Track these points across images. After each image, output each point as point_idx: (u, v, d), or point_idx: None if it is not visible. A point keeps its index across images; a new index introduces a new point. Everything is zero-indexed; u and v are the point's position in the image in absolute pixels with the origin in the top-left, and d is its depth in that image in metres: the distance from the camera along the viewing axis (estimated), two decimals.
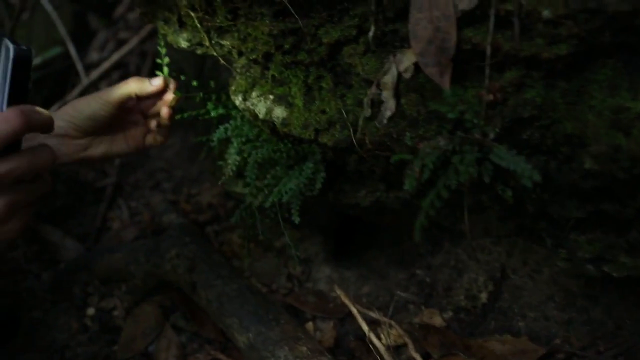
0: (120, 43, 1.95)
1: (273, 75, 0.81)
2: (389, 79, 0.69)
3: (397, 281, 1.03)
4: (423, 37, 0.63)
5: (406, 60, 0.68)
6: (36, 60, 1.84)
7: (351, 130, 0.75)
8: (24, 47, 0.60)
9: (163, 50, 0.84)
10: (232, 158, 0.84)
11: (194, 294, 1.04)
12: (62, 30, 1.88)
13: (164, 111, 0.87)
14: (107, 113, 0.86)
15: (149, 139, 0.93)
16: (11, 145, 0.60)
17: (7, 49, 0.60)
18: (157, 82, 0.86)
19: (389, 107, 0.69)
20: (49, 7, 1.90)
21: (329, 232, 1.17)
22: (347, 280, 1.06)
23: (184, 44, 0.83)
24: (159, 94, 0.88)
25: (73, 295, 1.25)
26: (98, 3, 2.02)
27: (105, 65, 1.85)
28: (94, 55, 1.95)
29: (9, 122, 0.58)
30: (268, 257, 1.17)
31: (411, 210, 0.94)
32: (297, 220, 0.81)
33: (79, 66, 1.83)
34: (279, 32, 0.75)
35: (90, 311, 1.21)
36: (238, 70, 0.87)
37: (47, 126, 0.62)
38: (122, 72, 1.87)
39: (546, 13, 0.56)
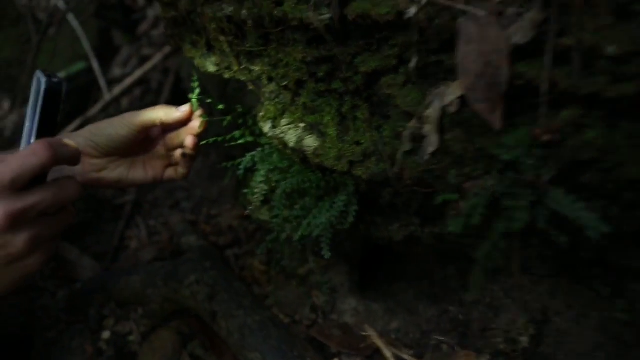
0: (143, 59, 1.94)
1: (304, 103, 0.78)
2: (432, 112, 0.65)
3: (428, 317, 0.97)
4: (472, 71, 0.59)
5: (451, 93, 0.64)
6: (60, 75, 1.83)
7: (388, 163, 0.71)
8: (55, 80, 0.59)
9: (195, 84, 0.81)
10: (260, 187, 0.80)
11: (213, 323, 1.00)
12: (87, 46, 1.88)
13: (189, 140, 0.84)
14: (129, 135, 0.83)
15: (170, 171, 0.90)
16: (37, 178, 0.58)
17: (39, 82, 0.59)
18: (184, 109, 0.83)
19: (432, 142, 0.65)
20: (75, 23, 1.91)
21: (354, 261, 1.12)
22: (375, 314, 1.01)
23: (211, 68, 0.80)
24: (184, 122, 0.85)
25: (88, 316, 1.22)
26: (122, 20, 2.02)
27: (128, 81, 1.84)
28: (116, 71, 1.94)
29: (36, 155, 0.57)
30: (291, 285, 1.13)
31: (444, 245, 0.89)
32: (327, 255, 0.76)
33: (102, 81, 1.83)
34: (313, 59, 0.71)
35: (106, 335, 1.18)
36: (267, 96, 0.83)
37: (73, 159, 0.62)
38: (144, 88, 1.87)
39: (611, 50, 0.52)
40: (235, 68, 0.77)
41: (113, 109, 1.75)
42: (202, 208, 1.44)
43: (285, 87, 0.78)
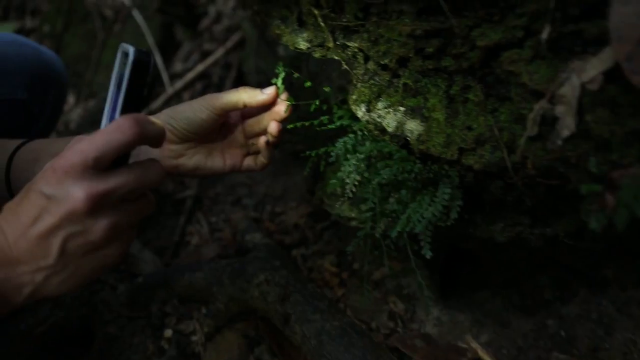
0: (205, 54, 1.92)
1: (405, 84, 0.70)
2: (568, 91, 0.56)
3: (524, 332, 0.87)
4: (630, 37, 0.49)
5: (591, 68, 0.55)
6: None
7: (505, 151, 0.62)
8: (144, 50, 0.54)
9: (281, 67, 0.75)
10: (351, 178, 0.73)
11: (285, 327, 0.93)
12: (151, 41, 1.88)
13: (273, 126, 0.78)
14: (208, 118, 0.78)
15: (249, 160, 0.84)
16: (119, 159, 0.53)
17: (126, 53, 0.54)
18: (268, 91, 0.77)
19: (567, 125, 0.56)
20: (139, 19, 1.92)
21: (434, 266, 1.03)
22: (461, 324, 0.91)
23: (303, 45, 0.74)
24: (267, 106, 0.79)
25: (150, 313, 1.18)
26: (185, 15, 2.01)
27: (190, 75, 1.83)
28: (178, 66, 1.93)
29: (122, 132, 0.50)
30: (365, 289, 1.04)
31: (554, 248, 0.79)
32: (428, 254, 0.68)
33: (164, 76, 1.82)
34: (423, 32, 0.63)
35: (168, 333, 1.13)
36: (359, 77, 0.76)
37: (159, 139, 0.55)
38: (206, 82, 1.84)
39: None
40: (330, 45, 0.70)
41: (175, 103, 1.73)
42: (265, 205, 1.39)
43: (384, 67, 0.71)
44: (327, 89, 0.78)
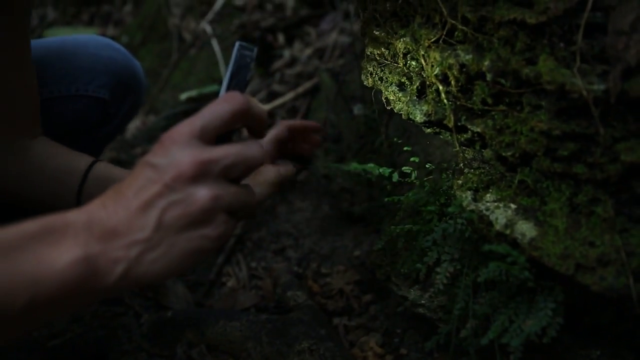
0: (271, 95, 1.93)
1: (522, 181, 0.65)
2: None
3: None
4: None
5: None
6: (192, 93, 1.85)
7: (631, 279, 0.56)
8: (246, 45, 0.61)
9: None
10: (443, 268, 0.67)
11: None
12: (223, 71, 1.90)
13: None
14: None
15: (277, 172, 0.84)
16: (223, 137, 0.55)
17: (234, 46, 0.62)
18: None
19: None
20: (217, 48, 1.95)
21: None
22: None
23: (419, 118, 0.70)
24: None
25: (174, 353, 1.11)
26: (260, 54, 2.04)
27: None
28: None
29: (228, 103, 0.52)
30: None
31: None
32: None
33: None
34: (561, 133, 0.59)
35: None
36: (467, 161, 0.72)
37: (262, 121, 0.56)
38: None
39: None
40: (450, 124, 0.66)
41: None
42: (310, 262, 1.32)
43: (502, 158, 0.66)
44: (429, 166, 0.74)
